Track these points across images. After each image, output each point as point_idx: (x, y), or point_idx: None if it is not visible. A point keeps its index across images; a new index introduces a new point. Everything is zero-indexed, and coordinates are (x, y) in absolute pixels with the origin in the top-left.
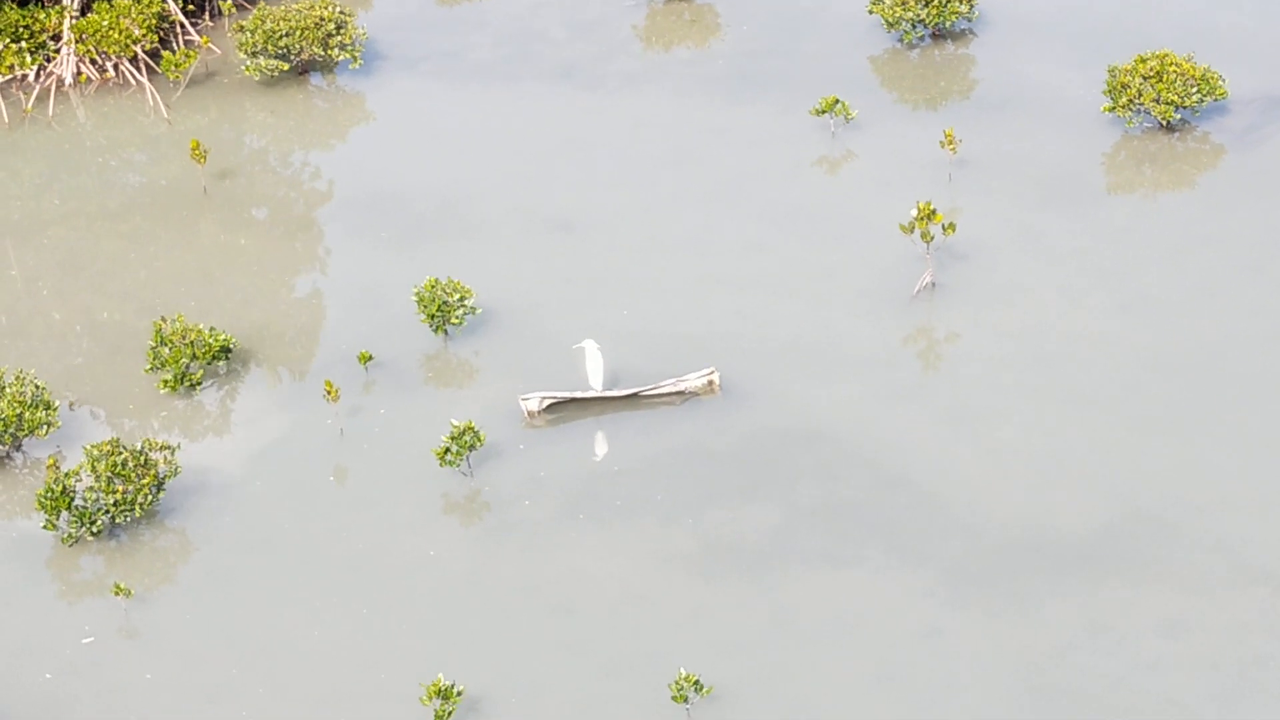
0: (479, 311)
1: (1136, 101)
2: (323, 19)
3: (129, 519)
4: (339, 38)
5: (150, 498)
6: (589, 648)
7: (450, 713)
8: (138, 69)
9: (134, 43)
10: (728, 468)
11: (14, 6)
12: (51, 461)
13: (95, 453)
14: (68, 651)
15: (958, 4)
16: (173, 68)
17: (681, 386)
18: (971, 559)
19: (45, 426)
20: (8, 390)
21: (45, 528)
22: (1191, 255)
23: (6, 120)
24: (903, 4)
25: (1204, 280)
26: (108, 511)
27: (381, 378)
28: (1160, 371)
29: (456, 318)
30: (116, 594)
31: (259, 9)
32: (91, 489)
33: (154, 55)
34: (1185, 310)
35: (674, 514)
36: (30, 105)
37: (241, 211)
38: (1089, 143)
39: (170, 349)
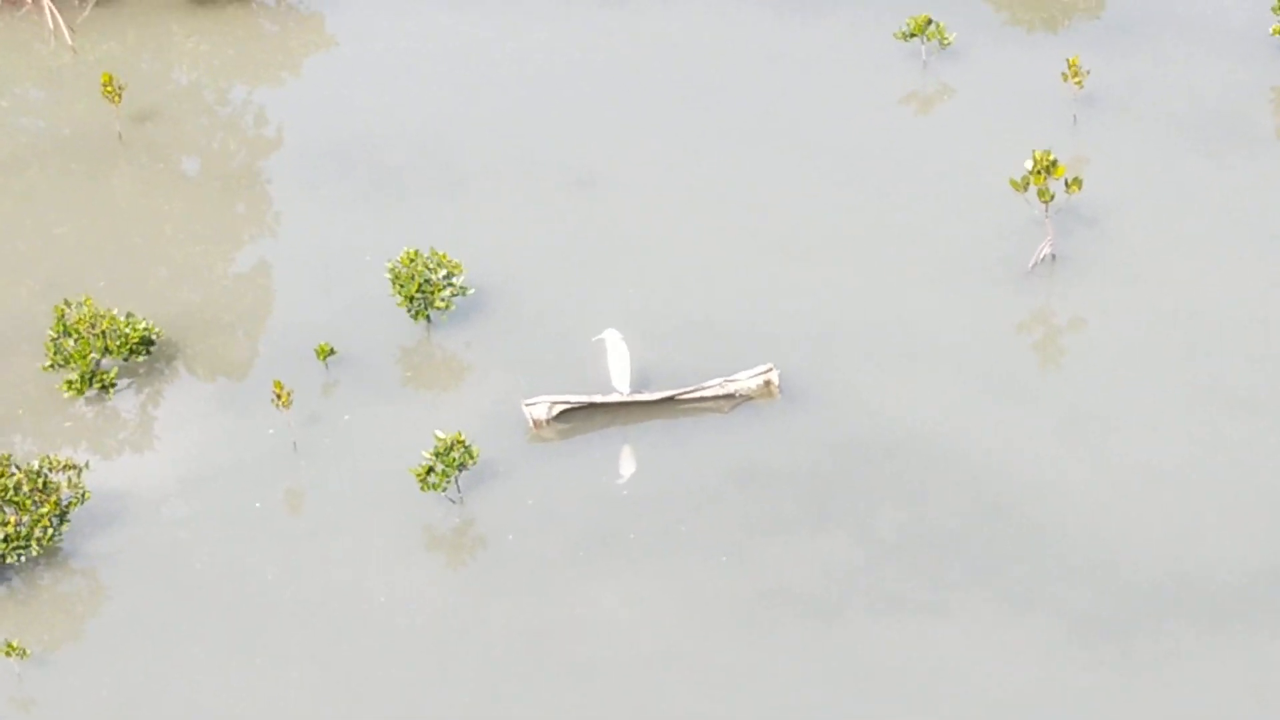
0: (470, 292)
1: None
2: None
3: (23, 558)
4: None
5: (51, 531)
6: (610, 719)
7: None
8: None
9: None
10: (787, 490)
11: None
12: None
13: None
14: None
15: None
16: None
17: (731, 388)
18: (1101, 606)
19: None
20: None
21: None
22: None
23: None
24: None
25: None
26: None
27: (346, 377)
28: None
29: (442, 300)
30: (8, 655)
31: None
32: None
33: None
34: None
35: (719, 549)
36: None
37: (167, 164)
38: (1255, 74)
39: (76, 340)
